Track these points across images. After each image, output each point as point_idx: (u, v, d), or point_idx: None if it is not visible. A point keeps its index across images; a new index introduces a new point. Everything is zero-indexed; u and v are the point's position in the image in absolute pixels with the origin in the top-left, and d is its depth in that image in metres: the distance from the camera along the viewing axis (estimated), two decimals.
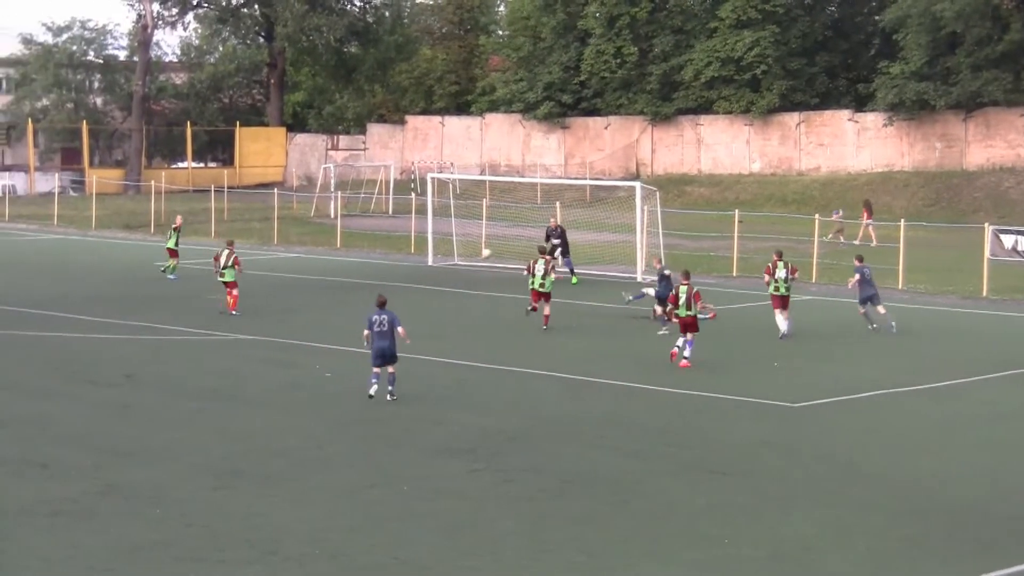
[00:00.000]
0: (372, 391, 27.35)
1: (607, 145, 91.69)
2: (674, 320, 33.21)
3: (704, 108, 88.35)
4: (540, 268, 37.32)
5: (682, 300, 32.06)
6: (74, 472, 21.77)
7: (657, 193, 54.13)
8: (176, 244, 48.17)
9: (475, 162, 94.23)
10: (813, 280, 48.10)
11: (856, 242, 60.49)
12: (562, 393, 28.91)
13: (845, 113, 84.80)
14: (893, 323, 37.49)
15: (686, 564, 17.78)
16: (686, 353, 31.56)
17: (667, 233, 51.92)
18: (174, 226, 49.07)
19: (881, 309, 37.90)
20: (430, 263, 53.24)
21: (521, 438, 24.55)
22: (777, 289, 36.60)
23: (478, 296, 44.67)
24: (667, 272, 38.22)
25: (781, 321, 36.32)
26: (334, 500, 20.41)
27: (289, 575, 17.19)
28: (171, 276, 47.30)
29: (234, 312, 39.14)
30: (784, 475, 22.26)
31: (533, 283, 37.34)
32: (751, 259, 49.42)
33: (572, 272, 47.74)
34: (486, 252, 50.29)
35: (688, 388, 29.09)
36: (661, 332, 36.15)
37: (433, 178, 59.04)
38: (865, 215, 63.32)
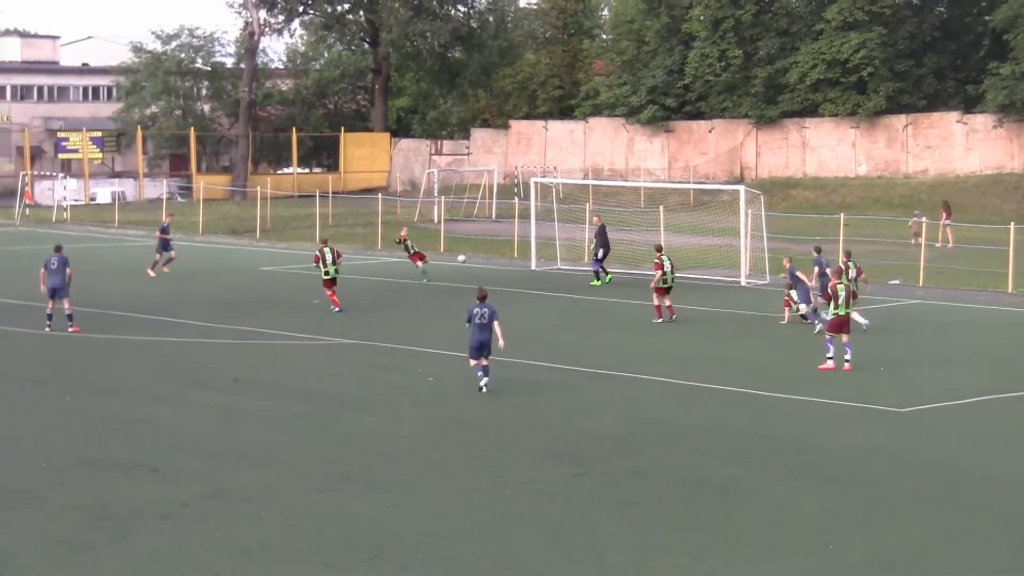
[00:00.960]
0: (483, 384, 28.24)
1: (711, 149, 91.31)
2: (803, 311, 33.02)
3: (809, 111, 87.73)
4: (668, 264, 38.73)
5: (841, 298, 31.64)
6: (184, 475, 22.06)
7: (761, 197, 53.85)
8: (411, 249, 48.93)
9: (578, 166, 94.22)
10: (920, 284, 47.60)
11: (937, 244, 59.84)
12: (668, 398, 28.84)
13: (954, 115, 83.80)
14: (864, 321, 37.00)
15: (793, 570, 17.67)
16: (848, 356, 31.19)
17: (772, 237, 51.62)
18: (401, 236, 49.54)
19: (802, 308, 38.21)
20: (533, 267, 53.30)
21: (626, 443, 24.53)
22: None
23: (582, 300, 44.64)
24: (796, 272, 38.25)
25: (857, 318, 36.38)
26: (439, 504, 20.51)
27: None
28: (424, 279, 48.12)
29: (339, 309, 40.38)
30: (893, 481, 22.05)
31: (667, 280, 38.68)
32: (858, 263, 48.97)
33: (596, 275, 47.99)
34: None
35: (795, 393, 28.90)
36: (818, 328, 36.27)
37: (536, 182, 59.07)
38: (944, 215, 62.67)
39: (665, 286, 38.72)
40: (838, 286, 31.84)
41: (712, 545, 18.58)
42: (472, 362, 28.50)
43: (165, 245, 50.99)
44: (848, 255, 37.75)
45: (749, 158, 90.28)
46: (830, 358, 31.30)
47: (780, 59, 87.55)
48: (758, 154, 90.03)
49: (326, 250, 41.31)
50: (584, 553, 18.19)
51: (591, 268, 48.54)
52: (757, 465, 22.97)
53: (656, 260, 39.17)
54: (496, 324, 28.24)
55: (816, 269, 37.72)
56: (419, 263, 48.85)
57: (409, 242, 49.19)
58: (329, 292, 40.99)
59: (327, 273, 41.03)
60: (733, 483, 21.75)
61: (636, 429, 25.69)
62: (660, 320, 38.51)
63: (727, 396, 28.95)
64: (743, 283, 48.24)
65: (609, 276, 48.05)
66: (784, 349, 35.17)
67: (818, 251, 38.79)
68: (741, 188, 53.06)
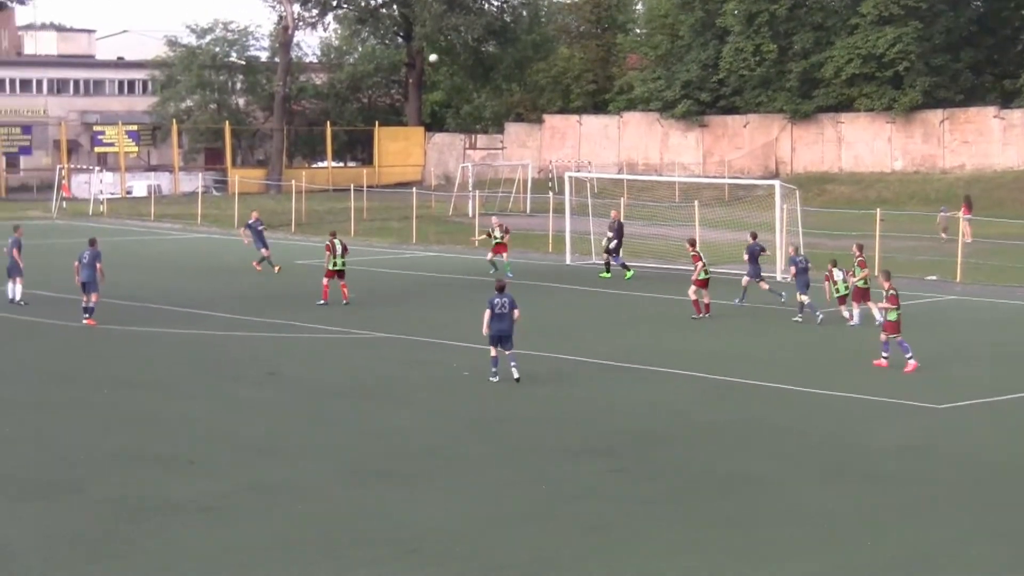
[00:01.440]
0: (495, 379, 28.87)
1: (746, 143, 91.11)
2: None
3: (845, 106, 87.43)
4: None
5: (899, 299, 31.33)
6: (221, 469, 22.14)
7: (797, 192, 53.69)
8: (500, 239, 49.10)
9: (613, 161, 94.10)
10: (958, 280, 47.37)
11: (967, 239, 59.43)
12: (702, 393, 28.80)
13: (991, 110, 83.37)
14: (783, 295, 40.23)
15: (828, 567, 17.63)
16: (886, 354, 30.99)
17: (807, 232, 51.48)
18: (496, 227, 49.69)
19: (764, 285, 40.80)
20: (568, 262, 53.27)
21: (661, 438, 24.51)
22: (838, 291, 37.71)
23: (617, 295, 44.59)
24: (799, 259, 39.03)
25: (855, 313, 37.35)
26: (475, 499, 20.53)
27: (428, 574, 17.33)
28: (508, 273, 48.37)
29: (347, 302, 40.69)
30: (930, 478, 21.97)
31: (707, 271, 38.80)
32: (893, 258, 48.81)
33: (625, 267, 48.39)
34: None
35: (831, 389, 28.80)
36: (796, 319, 37.99)
37: (571, 177, 59.03)
38: (964, 210, 62.23)
39: (705, 277, 38.70)
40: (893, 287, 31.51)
41: (747, 541, 18.55)
42: (493, 353, 28.94)
43: (262, 240, 50.72)
44: (860, 248, 38.18)
45: (784, 153, 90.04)
46: (910, 357, 30.77)
47: (815, 54, 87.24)
48: (793, 149, 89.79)
49: (336, 242, 41.42)
50: (619, 548, 18.18)
51: (616, 263, 48.50)
52: (792, 461, 22.92)
53: (693, 253, 39.20)
54: (516, 312, 28.88)
55: (792, 268, 38.79)
56: (492, 255, 48.99)
57: (497, 232, 49.19)
58: (339, 283, 41.09)
59: (335, 265, 41.12)
60: (768, 480, 21.71)
61: (671, 424, 25.67)
62: (699, 316, 38.42)
63: (762, 392, 28.88)
64: (778, 278, 48.03)
65: (608, 274, 48.27)
66: (820, 344, 35.07)
67: (754, 236, 41.03)
68: (776, 183, 52.87)
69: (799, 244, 42.35)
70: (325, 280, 41.32)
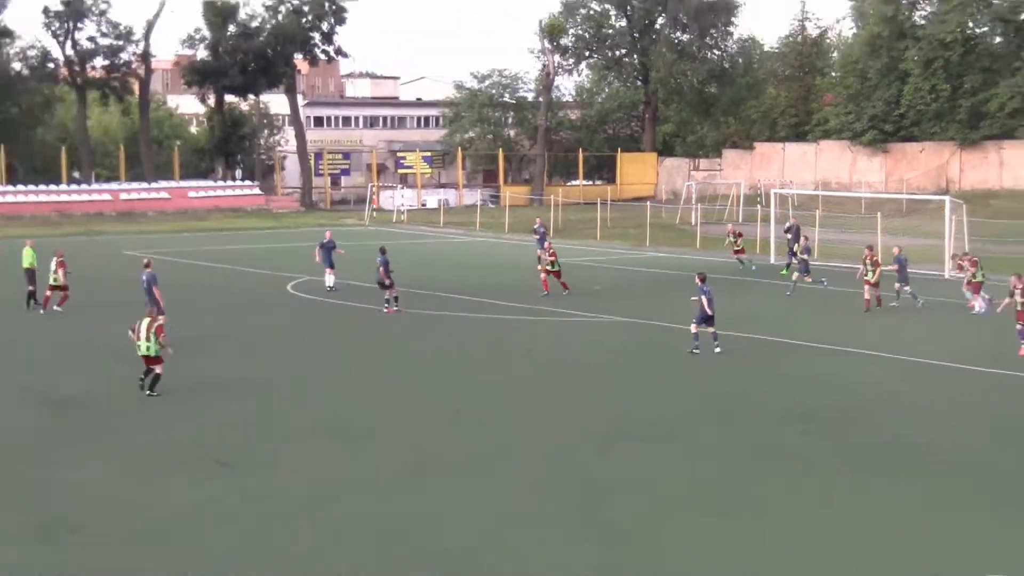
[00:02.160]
0: (697, 351, 28.59)
1: (921, 166, 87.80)
2: None
3: (1007, 134, 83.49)
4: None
5: None
6: (482, 429, 21.82)
7: (964, 206, 51.36)
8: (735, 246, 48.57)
9: (810, 180, 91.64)
10: None
11: None
12: (897, 373, 27.45)
13: None
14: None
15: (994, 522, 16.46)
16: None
17: (974, 239, 49.18)
18: (729, 233, 49.21)
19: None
20: (772, 261, 51.93)
21: (859, 411, 23.39)
22: (974, 277, 36.80)
23: (812, 290, 43.12)
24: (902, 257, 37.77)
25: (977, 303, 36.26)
26: (696, 456, 19.82)
27: (656, 512, 16.73)
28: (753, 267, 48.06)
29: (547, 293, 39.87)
30: None
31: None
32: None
33: (808, 272, 46.12)
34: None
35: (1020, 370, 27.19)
36: (893, 304, 36.96)
37: (776, 193, 57.50)
38: None
39: (876, 280, 37.00)
40: None
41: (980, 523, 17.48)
42: (696, 328, 28.79)
43: (543, 243, 49.53)
44: (967, 255, 36.62)
45: (954, 174, 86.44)
46: None
47: (982, 91, 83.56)
48: (962, 170, 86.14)
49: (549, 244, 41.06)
50: (812, 510, 17.29)
51: (791, 261, 47.41)
52: (985, 437, 21.61)
53: (875, 259, 37.44)
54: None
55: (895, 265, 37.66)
56: (736, 256, 48.51)
57: (731, 238, 48.55)
58: (557, 280, 40.43)
59: (555, 266, 40.50)
60: (990, 463, 20.48)
61: (871, 399, 24.49)
62: (869, 311, 36.78)
63: (948, 372, 27.42)
64: (947, 276, 46.01)
65: (785, 271, 46.80)
66: (985, 332, 33.26)
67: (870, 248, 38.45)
68: (946, 198, 50.72)
69: (902, 246, 40.42)
70: (544, 275, 40.61)
